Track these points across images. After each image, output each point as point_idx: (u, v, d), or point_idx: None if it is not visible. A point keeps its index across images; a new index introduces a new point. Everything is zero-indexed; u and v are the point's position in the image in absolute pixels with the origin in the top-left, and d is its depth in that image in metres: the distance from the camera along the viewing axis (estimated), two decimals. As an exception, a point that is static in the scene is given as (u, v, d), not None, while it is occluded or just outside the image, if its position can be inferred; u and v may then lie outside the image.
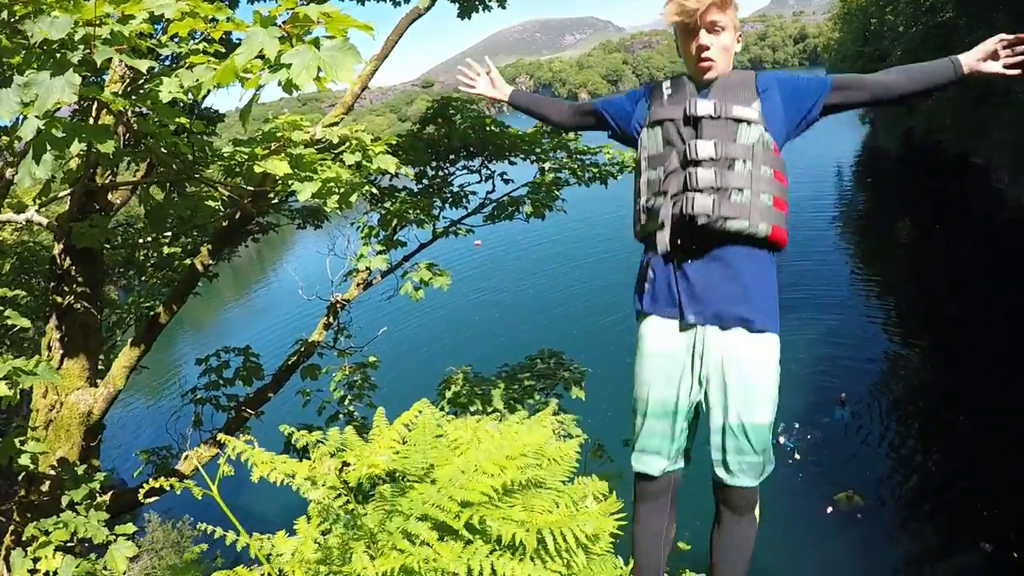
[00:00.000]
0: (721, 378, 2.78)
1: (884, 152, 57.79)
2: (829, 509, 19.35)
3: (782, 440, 21.41)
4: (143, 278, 12.20)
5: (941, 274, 32.34)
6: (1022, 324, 25.92)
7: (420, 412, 4.81)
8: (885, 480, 20.63)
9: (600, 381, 19.57)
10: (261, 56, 3.27)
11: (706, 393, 2.84)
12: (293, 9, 3.35)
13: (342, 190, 6.00)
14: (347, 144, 6.11)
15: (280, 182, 5.61)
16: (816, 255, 36.03)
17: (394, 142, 6.93)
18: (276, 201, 8.03)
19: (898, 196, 48.07)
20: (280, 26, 3.37)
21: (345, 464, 3.29)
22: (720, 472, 2.90)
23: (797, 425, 22.31)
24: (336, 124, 7.23)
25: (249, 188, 6.31)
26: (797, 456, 21.21)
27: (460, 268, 35.41)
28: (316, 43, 3.22)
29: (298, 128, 5.94)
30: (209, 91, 4.12)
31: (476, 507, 3.39)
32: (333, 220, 13.68)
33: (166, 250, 11.15)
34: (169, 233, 9.30)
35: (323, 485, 3.35)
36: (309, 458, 4.08)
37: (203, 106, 11.25)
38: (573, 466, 4.61)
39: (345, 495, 3.29)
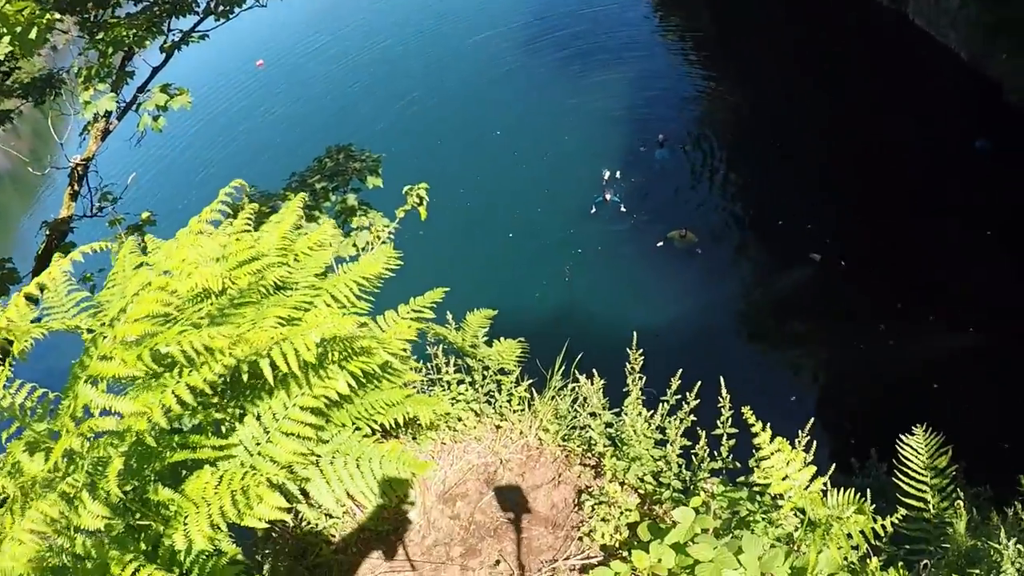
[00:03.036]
0: None
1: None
2: (660, 243, 19.57)
3: (608, 197, 21.14)
4: None
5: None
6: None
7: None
8: (715, 214, 21.02)
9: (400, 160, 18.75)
10: None
11: None
12: None
13: (18, 30, 4.74)
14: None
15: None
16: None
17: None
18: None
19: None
20: None
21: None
22: None
23: (619, 175, 22.05)
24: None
25: None
26: (624, 209, 21.05)
27: (243, 92, 33.02)
28: None
29: None
30: None
31: (148, 338, 2.67)
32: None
33: None
34: None
35: None
36: None
37: None
38: (325, 260, 3.81)
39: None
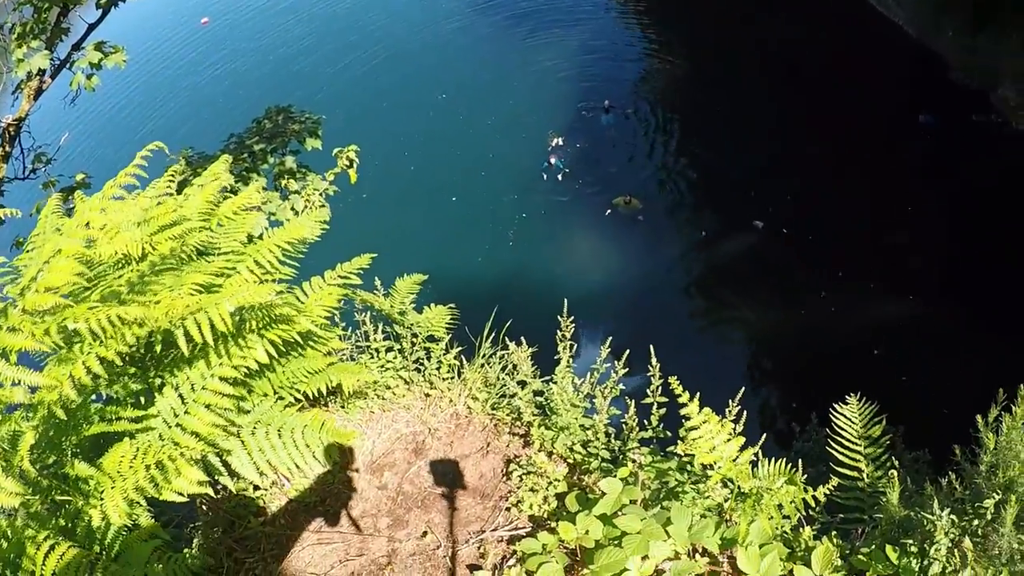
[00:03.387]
0: None
1: None
2: (607, 211, 19.58)
3: (553, 161, 20.98)
4: None
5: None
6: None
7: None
8: (659, 180, 21.02)
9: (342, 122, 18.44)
10: None
11: None
12: None
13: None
14: None
15: None
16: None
17: None
18: None
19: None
20: None
21: None
22: None
23: (563, 141, 21.90)
24: None
25: None
26: (560, 178, 20.87)
27: (186, 49, 32.23)
28: None
29: None
30: None
31: (63, 311, 2.57)
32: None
33: None
34: None
35: None
36: None
37: None
38: (251, 224, 3.71)
39: None
